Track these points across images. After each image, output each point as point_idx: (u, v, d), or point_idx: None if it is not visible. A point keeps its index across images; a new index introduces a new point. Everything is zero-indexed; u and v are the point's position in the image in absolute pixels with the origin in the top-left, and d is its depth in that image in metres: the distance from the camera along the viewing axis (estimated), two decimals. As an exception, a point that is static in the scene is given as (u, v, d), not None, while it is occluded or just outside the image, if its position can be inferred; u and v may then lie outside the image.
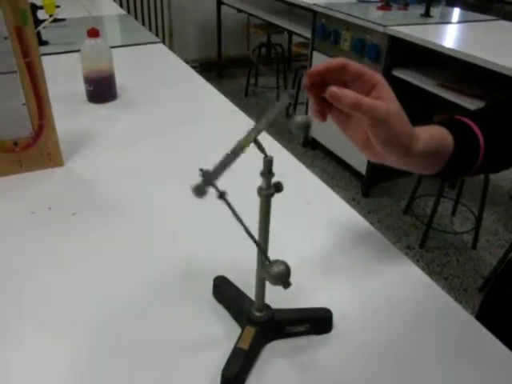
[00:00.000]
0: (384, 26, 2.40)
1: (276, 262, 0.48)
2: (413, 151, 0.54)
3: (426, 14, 2.68)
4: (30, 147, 0.88)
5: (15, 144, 0.87)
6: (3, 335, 0.58)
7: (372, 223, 0.80)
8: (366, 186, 2.89)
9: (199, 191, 0.44)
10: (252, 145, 0.45)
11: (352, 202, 2.83)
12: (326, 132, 3.07)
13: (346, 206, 0.84)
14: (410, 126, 0.54)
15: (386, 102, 0.51)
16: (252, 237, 0.47)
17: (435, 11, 2.77)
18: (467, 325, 0.62)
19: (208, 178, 0.43)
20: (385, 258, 0.73)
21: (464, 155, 0.61)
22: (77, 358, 0.56)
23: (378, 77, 0.52)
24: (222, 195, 0.44)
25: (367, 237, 0.78)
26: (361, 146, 0.57)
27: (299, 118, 0.48)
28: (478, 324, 0.62)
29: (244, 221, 0.45)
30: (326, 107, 0.55)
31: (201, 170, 0.43)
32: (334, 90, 0.49)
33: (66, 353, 0.56)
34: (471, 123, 0.62)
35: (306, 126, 0.48)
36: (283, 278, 0.46)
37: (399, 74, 2.43)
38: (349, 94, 0.49)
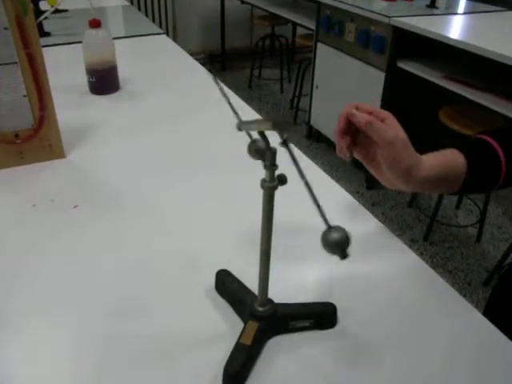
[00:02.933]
0: (389, 17, 2.38)
1: (337, 228, 0.43)
2: (416, 177, 0.60)
3: (432, 5, 2.65)
4: (31, 139, 0.87)
5: (16, 136, 0.86)
6: (3, 327, 0.57)
7: (376, 216, 0.79)
8: (371, 179, 2.87)
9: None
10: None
11: (356, 194, 2.82)
12: (330, 124, 3.05)
13: (350, 199, 0.84)
14: (415, 155, 0.60)
15: (395, 129, 0.58)
16: (314, 199, 0.43)
17: (441, 2, 2.73)
18: (472, 318, 0.61)
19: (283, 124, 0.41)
20: (389, 251, 0.72)
21: (482, 174, 0.65)
22: (77, 351, 0.55)
23: (385, 112, 0.60)
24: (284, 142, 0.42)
25: (371, 229, 0.77)
26: (379, 175, 0.65)
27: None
28: (482, 317, 0.61)
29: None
30: (351, 148, 0.63)
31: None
32: (353, 112, 0.59)
33: (66, 346, 0.56)
34: (491, 140, 0.66)
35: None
36: (342, 245, 0.42)
37: (404, 65, 2.40)
38: (364, 115, 0.58)
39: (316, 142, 3.36)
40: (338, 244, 0.42)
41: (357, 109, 0.59)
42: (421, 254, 2.34)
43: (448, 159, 0.64)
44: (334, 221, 0.74)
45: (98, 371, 0.53)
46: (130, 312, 0.60)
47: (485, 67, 2.11)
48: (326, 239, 0.43)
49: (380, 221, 0.78)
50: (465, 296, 2.10)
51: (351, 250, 0.72)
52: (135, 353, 0.55)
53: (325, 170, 0.90)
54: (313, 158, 0.94)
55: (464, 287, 2.17)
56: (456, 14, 2.67)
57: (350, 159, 0.63)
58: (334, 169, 3.07)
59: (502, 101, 1.96)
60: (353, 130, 0.61)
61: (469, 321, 0.61)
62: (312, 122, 3.29)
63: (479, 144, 0.67)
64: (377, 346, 0.57)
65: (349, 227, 0.77)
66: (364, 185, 2.89)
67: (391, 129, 0.58)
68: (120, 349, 0.55)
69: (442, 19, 2.53)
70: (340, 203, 0.83)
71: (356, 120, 0.58)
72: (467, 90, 2.09)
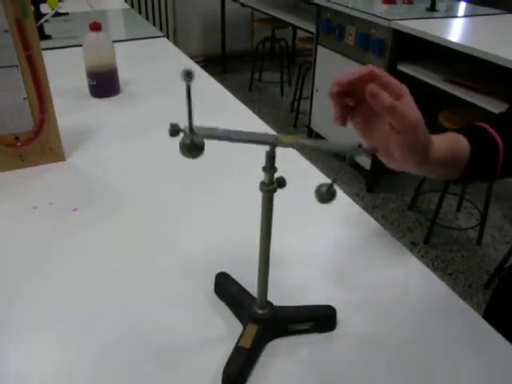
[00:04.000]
0: (389, 20, 2.38)
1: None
2: (429, 159, 0.56)
3: (432, 8, 2.66)
4: (32, 142, 0.87)
5: (16, 138, 0.86)
6: (2, 329, 0.57)
7: (376, 219, 0.79)
8: (371, 182, 2.87)
9: (173, 131, 0.46)
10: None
11: (356, 197, 2.82)
12: (330, 127, 3.05)
13: (350, 202, 0.83)
14: (428, 134, 0.56)
15: (415, 109, 0.52)
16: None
17: (441, 5, 2.74)
18: (472, 322, 0.61)
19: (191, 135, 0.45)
20: (389, 254, 0.72)
21: (482, 160, 0.63)
22: (77, 353, 0.55)
23: (404, 88, 0.53)
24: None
25: (372, 232, 0.77)
26: (380, 153, 0.58)
27: (324, 189, 0.47)
28: (482, 321, 0.61)
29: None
30: (346, 114, 0.56)
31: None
32: (374, 88, 0.50)
33: (65, 348, 0.56)
34: (490, 128, 0.64)
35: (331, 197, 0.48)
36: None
37: (404, 68, 2.41)
38: (386, 96, 0.50)
39: (316, 145, 3.36)
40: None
41: (372, 79, 0.51)
42: (421, 257, 2.34)
43: (454, 140, 0.62)
44: (334, 223, 0.74)
45: (97, 374, 0.53)
46: (129, 314, 0.60)
47: (485, 70, 2.12)
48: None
49: (380, 224, 0.78)
50: (465, 299, 2.10)
51: (352, 252, 0.72)
52: (134, 356, 0.55)
53: (325, 173, 0.90)
54: (313, 161, 0.94)
55: (464, 290, 2.17)
56: (456, 17, 2.67)
57: (344, 125, 0.57)
58: (335, 172, 3.07)
59: (502, 103, 1.96)
60: (353, 94, 0.54)
61: (469, 323, 0.61)
62: (312, 125, 3.29)
63: (479, 130, 0.65)
64: (376, 349, 0.57)
65: (349, 230, 0.77)
66: (364, 188, 2.90)
67: (413, 112, 0.52)
68: (119, 352, 0.55)
69: (442, 22, 2.53)
70: (340, 206, 0.83)
71: (377, 101, 0.50)
72: (467, 93, 2.09)
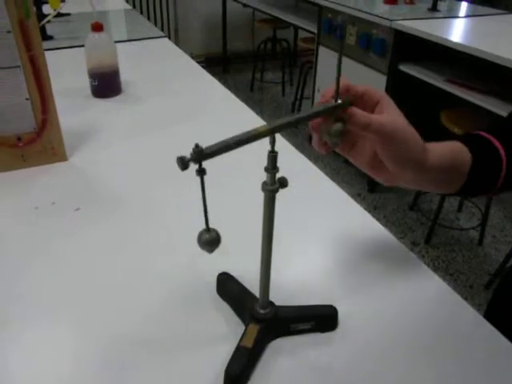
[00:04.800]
0: (390, 20, 2.38)
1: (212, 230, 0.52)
2: (427, 165, 0.54)
3: (433, 8, 2.66)
4: (34, 142, 0.87)
5: (18, 139, 0.86)
6: (4, 329, 0.58)
7: (378, 219, 0.79)
8: (372, 182, 2.87)
9: (182, 163, 0.43)
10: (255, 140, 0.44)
11: (357, 197, 2.82)
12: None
13: (351, 202, 0.84)
14: (420, 139, 0.54)
15: (391, 116, 0.51)
16: (205, 209, 0.50)
17: (442, 5, 2.74)
18: (474, 322, 0.61)
19: (198, 155, 0.42)
20: (390, 254, 0.72)
21: (484, 170, 0.59)
22: (78, 353, 0.55)
23: (379, 93, 0.52)
24: (200, 172, 0.44)
25: (373, 232, 0.77)
26: (371, 170, 0.57)
27: (336, 126, 0.49)
28: (484, 321, 0.61)
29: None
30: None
31: (196, 145, 0.42)
32: (354, 111, 0.50)
33: (67, 347, 0.56)
34: (491, 137, 0.61)
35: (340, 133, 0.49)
36: (211, 243, 0.51)
37: (406, 68, 2.41)
38: (365, 116, 0.50)
39: (318, 145, 3.36)
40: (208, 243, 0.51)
41: (347, 91, 0.51)
42: (422, 257, 2.34)
43: (456, 150, 0.59)
44: (335, 223, 0.74)
45: (98, 373, 0.53)
46: (131, 314, 0.60)
47: (487, 70, 2.11)
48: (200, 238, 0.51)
49: (382, 224, 0.78)
50: (466, 299, 2.10)
51: (353, 252, 0.72)
52: (135, 355, 0.55)
53: (327, 173, 0.90)
54: (315, 161, 0.94)
55: (466, 290, 2.17)
56: (457, 17, 2.67)
57: (328, 153, 0.56)
58: (336, 172, 3.07)
59: (504, 103, 1.96)
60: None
61: (470, 324, 0.61)
62: (314, 125, 3.29)
63: (481, 141, 0.62)
64: (377, 348, 0.57)
65: (350, 230, 0.77)
66: (366, 188, 2.90)
67: (389, 118, 0.50)
68: (121, 351, 0.55)
69: (444, 22, 2.53)
70: (342, 206, 0.83)
71: (353, 122, 0.50)
72: (469, 93, 2.09)
